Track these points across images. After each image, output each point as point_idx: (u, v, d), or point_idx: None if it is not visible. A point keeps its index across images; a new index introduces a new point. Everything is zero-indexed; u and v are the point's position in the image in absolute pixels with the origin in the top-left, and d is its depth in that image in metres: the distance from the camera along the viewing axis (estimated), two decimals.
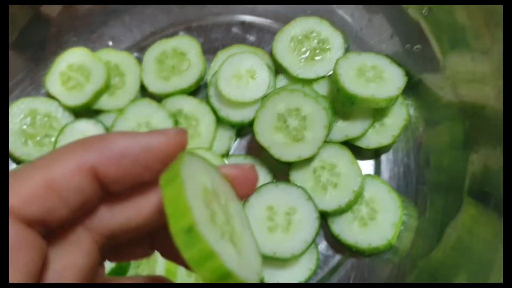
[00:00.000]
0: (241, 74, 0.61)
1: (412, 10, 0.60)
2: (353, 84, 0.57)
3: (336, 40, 0.64)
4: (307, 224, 0.55)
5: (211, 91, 0.62)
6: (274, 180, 0.61)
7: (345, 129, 0.59)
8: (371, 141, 0.60)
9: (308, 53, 0.63)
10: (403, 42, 0.63)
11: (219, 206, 0.24)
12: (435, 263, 0.53)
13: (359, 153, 0.60)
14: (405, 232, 0.57)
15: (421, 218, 0.57)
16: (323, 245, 0.60)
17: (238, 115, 0.61)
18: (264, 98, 0.60)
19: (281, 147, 0.57)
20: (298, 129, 0.57)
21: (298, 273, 0.56)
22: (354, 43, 0.67)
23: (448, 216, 0.54)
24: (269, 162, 0.61)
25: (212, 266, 0.19)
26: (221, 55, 0.65)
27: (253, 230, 0.27)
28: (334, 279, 0.58)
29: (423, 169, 0.59)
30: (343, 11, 0.68)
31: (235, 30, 0.71)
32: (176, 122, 0.61)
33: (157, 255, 0.55)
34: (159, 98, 0.63)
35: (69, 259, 0.24)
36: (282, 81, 0.63)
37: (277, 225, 0.55)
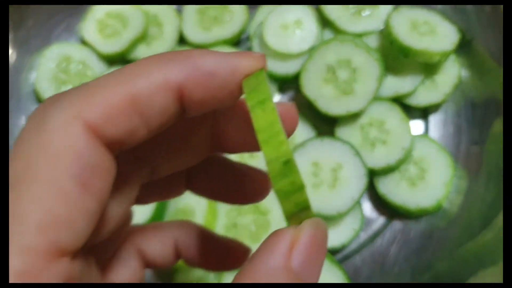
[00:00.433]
0: (288, 24, 0.58)
1: None
2: (407, 36, 0.54)
3: None
4: (354, 181, 0.52)
5: (255, 43, 0.60)
6: None
7: (395, 85, 0.57)
8: (421, 99, 0.57)
9: (356, 8, 0.60)
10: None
11: None
12: (482, 243, 0.50)
13: (407, 113, 0.58)
14: (455, 194, 0.55)
15: (473, 181, 0.54)
16: (367, 207, 0.57)
17: (283, 68, 0.58)
18: (312, 49, 0.57)
19: (328, 100, 0.54)
20: (348, 82, 0.54)
21: (341, 233, 0.54)
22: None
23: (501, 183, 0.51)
24: (313, 120, 0.58)
25: (298, 199, 0.20)
26: (266, 8, 0.63)
27: None
28: (378, 242, 0.56)
29: (475, 130, 0.57)
30: None
31: None
32: None
33: (195, 210, 0.53)
34: None
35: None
36: (328, 36, 0.61)
37: (323, 182, 0.53)
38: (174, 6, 0.66)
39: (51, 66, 0.59)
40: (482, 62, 0.58)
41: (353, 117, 0.56)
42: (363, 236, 0.56)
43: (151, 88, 0.19)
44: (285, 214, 0.21)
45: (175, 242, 0.30)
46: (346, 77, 0.55)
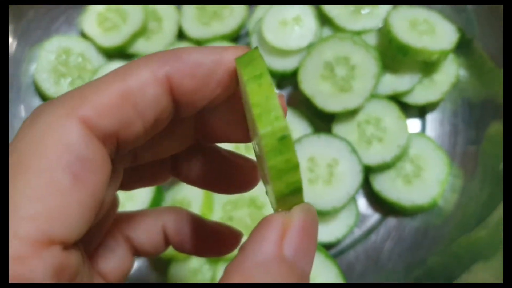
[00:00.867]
0: (287, 21, 0.59)
1: None
2: (406, 35, 0.54)
3: None
4: (350, 177, 0.53)
5: (253, 39, 0.60)
6: None
7: (393, 83, 0.57)
8: (418, 97, 0.57)
9: (355, 6, 0.61)
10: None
11: None
12: (475, 239, 0.50)
13: (404, 111, 0.58)
14: (450, 193, 0.55)
15: (468, 180, 0.55)
16: (362, 204, 0.57)
17: (281, 64, 0.59)
18: (311, 46, 0.57)
19: (326, 97, 0.55)
20: (346, 79, 0.55)
21: (336, 228, 0.54)
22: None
23: (498, 183, 0.51)
24: (310, 116, 0.58)
25: (291, 179, 0.19)
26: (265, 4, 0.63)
27: None
28: (372, 239, 0.56)
29: (471, 130, 0.57)
30: None
31: None
32: None
33: (191, 202, 0.53)
34: (197, 45, 0.61)
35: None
36: (327, 33, 0.61)
37: (318, 177, 0.53)
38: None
39: (50, 58, 0.60)
40: (481, 62, 0.58)
41: (350, 114, 0.56)
42: (358, 232, 0.57)
43: (140, 82, 0.21)
44: (275, 195, 0.20)
45: (163, 228, 0.30)
46: (344, 74, 0.55)
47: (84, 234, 0.20)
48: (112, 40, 0.61)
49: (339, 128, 0.56)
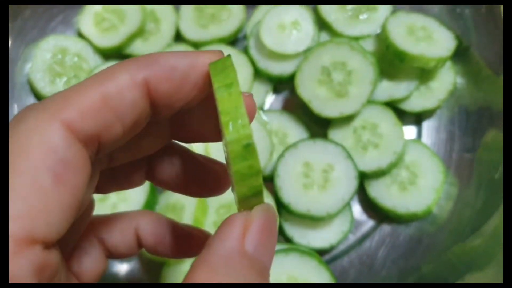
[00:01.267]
0: (285, 25, 0.58)
1: None
2: (403, 41, 0.54)
3: None
4: (345, 183, 0.52)
5: (251, 42, 0.60)
6: None
7: (390, 89, 0.57)
8: (415, 104, 0.57)
9: (353, 11, 0.61)
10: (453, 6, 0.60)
11: None
12: (470, 248, 0.50)
13: (401, 118, 0.58)
14: (445, 201, 0.55)
15: (463, 188, 0.55)
16: (356, 210, 0.57)
17: (278, 68, 0.58)
18: (308, 50, 0.57)
19: (322, 102, 0.55)
20: (343, 84, 0.55)
21: (330, 235, 0.54)
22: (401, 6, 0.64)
23: (494, 192, 0.51)
24: (306, 121, 0.58)
25: (253, 183, 0.21)
26: (264, 7, 0.63)
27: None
28: (366, 245, 0.56)
29: (467, 137, 0.57)
30: None
31: None
32: None
33: (185, 206, 0.53)
34: (194, 48, 0.61)
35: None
36: (324, 38, 0.61)
37: (313, 182, 0.53)
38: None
39: (46, 57, 0.59)
40: (478, 70, 0.58)
41: (347, 119, 0.56)
42: (352, 238, 0.56)
43: (119, 86, 0.22)
44: (238, 196, 0.21)
45: (135, 231, 0.31)
46: (341, 80, 0.55)
47: (63, 234, 0.20)
48: (109, 40, 0.61)
49: (335, 133, 0.56)
